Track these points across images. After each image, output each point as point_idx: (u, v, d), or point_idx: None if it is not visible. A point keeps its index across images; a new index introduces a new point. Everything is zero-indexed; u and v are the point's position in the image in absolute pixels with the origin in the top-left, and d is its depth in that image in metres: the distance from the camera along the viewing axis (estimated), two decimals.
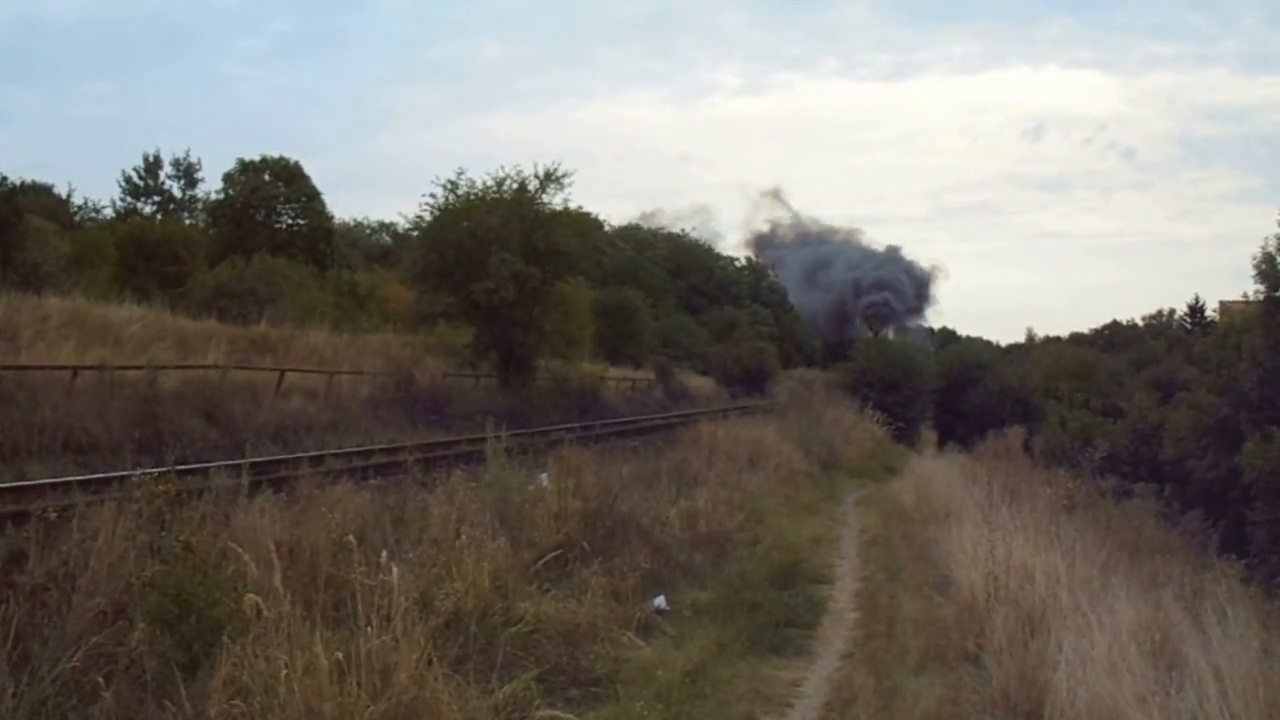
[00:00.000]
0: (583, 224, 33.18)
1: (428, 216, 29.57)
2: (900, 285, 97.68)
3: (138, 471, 8.25)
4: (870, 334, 74.81)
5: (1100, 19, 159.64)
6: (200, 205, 42.97)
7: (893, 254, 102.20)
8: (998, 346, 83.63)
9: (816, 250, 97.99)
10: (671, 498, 13.20)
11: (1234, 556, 13.19)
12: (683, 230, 76.53)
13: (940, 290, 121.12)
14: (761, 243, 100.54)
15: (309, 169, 40.52)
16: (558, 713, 6.25)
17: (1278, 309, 23.14)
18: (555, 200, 29.45)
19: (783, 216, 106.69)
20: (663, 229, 74.92)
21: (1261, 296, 24.05)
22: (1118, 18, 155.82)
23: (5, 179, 25.96)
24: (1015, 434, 25.10)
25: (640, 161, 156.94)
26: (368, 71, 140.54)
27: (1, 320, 18.70)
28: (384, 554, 6.49)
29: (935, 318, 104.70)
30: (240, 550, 6.46)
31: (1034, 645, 7.31)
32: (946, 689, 7.33)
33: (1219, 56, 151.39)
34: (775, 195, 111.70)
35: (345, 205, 54.81)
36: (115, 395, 16.82)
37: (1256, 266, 23.74)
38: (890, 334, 79.94)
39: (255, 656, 5.34)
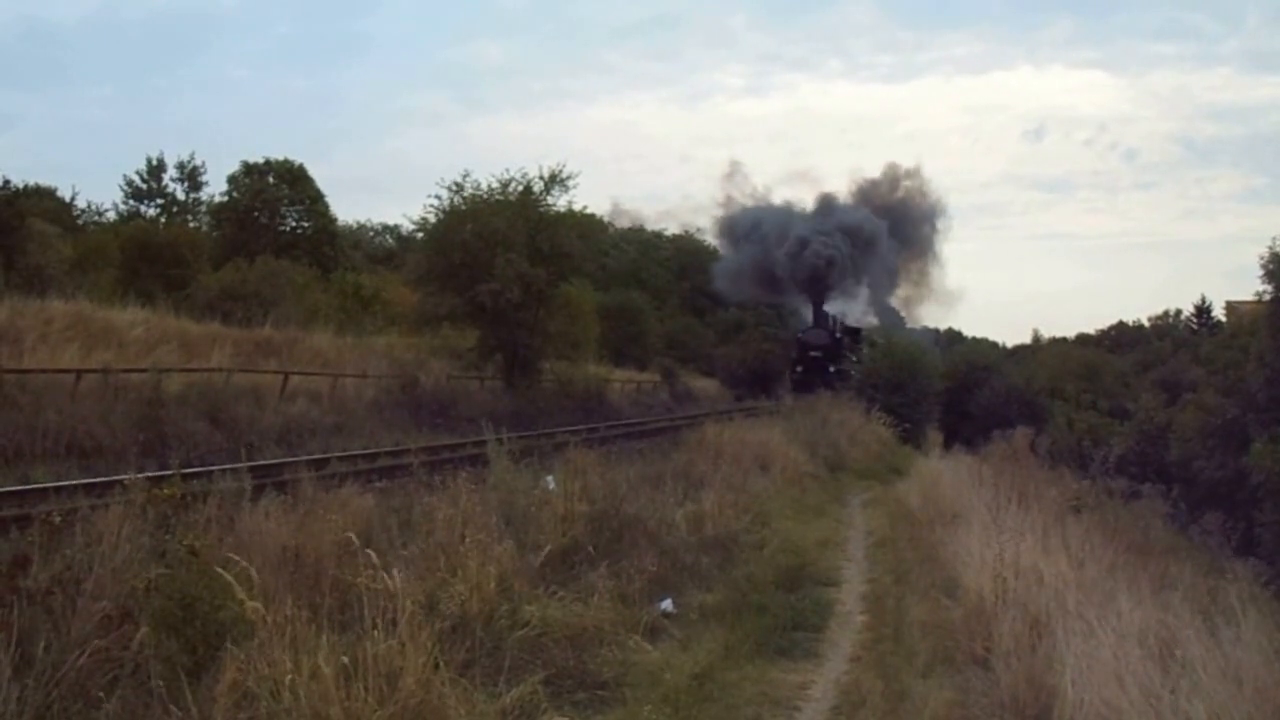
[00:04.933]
0: (587, 226, 33.21)
1: (432, 218, 29.64)
2: (848, 235, 59.04)
3: (142, 475, 8.23)
4: (810, 311, 56.17)
5: (1103, 19, 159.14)
6: (204, 208, 43.10)
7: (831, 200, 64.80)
8: (1004, 347, 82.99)
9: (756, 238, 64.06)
10: (678, 500, 13.11)
11: (1246, 558, 13.12)
12: (685, 230, 75.74)
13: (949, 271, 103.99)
14: (723, 228, 72.52)
15: (313, 171, 40.72)
16: (564, 717, 6.23)
17: None
18: (560, 202, 29.54)
19: (747, 193, 75.99)
20: (664, 230, 74.17)
21: (1269, 297, 23.92)
22: (1121, 18, 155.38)
23: (8, 182, 26.21)
24: (1021, 435, 24.97)
25: (643, 163, 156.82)
26: (371, 74, 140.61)
27: (5, 323, 18.76)
28: (373, 554, 6.48)
29: (943, 317, 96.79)
30: (244, 560, 6.44)
31: (1042, 648, 7.25)
32: (954, 692, 7.28)
33: (1222, 56, 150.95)
34: (733, 174, 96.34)
35: (349, 208, 54.88)
36: (119, 398, 16.86)
37: (1264, 266, 23.59)
38: (833, 309, 57.65)
39: (260, 661, 5.32)
